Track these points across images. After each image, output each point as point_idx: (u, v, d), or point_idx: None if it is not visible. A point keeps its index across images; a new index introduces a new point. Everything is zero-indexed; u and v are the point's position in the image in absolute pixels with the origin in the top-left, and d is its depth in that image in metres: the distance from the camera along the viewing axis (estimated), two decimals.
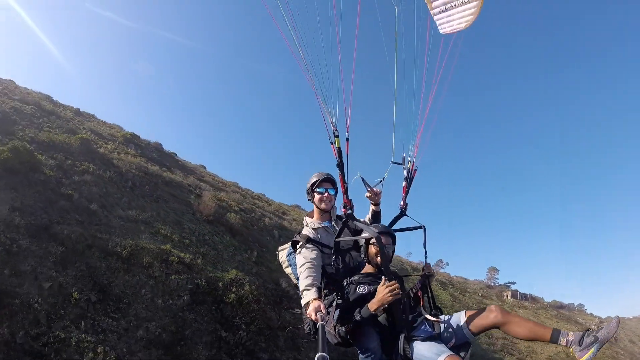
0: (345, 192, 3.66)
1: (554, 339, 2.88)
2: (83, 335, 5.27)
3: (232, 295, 8.12)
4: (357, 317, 3.14)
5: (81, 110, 20.55)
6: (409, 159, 4.21)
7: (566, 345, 2.84)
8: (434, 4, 5.00)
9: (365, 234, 3.46)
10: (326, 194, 3.77)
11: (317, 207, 3.77)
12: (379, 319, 3.25)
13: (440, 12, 5.07)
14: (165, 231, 9.43)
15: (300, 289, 3.44)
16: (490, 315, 3.07)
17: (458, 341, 3.18)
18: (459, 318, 3.23)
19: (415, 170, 4.25)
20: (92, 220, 8.06)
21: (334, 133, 3.66)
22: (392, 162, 4.20)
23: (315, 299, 3.24)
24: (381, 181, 4.05)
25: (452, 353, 2.91)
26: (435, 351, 2.92)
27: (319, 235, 3.78)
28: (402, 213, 4.00)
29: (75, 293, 5.78)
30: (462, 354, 3.10)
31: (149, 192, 11.71)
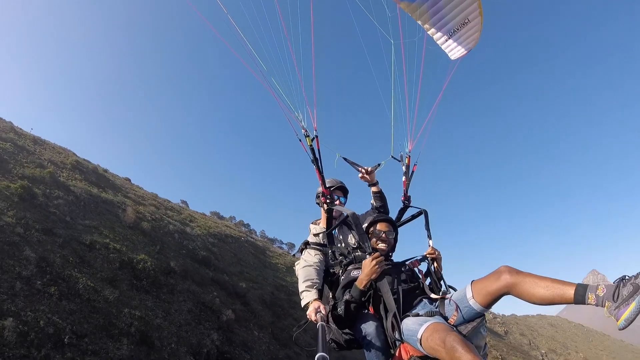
0: (323, 183, 3.96)
1: (579, 297, 2.29)
2: (75, 272, 13.33)
3: (140, 265, 16.37)
4: (347, 296, 3.18)
5: (36, 136, 27.40)
6: (407, 155, 4.51)
7: (596, 304, 2.27)
8: (436, 35, 5.24)
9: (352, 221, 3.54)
10: (337, 201, 4.04)
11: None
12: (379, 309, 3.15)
13: (445, 41, 5.28)
14: (106, 232, 17.45)
15: (300, 290, 3.61)
16: (499, 279, 2.66)
17: (464, 317, 2.91)
18: (464, 290, 2.96)
19: (415, 165, 4.52)
20: (69, 226, 15.99)
21: (304, 134, 4.01)
22: (392, 157, 4.53)
23: (315, 300, 3.39)
24: (378, 166, 4.40)
25: (437, 321, 2.71)
26: (420, 322, 2.75)
27: (321, 240, 4.01)
28: (405, 205, 4.24)
29: (71, 258, 13.84)
30: (467, 328, 2.88)
31: (93, 208, 19.55)
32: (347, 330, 3.35)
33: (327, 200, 3.91)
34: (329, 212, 3.89)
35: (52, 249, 13.73)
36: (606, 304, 2.20)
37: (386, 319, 3.04)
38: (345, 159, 4.35)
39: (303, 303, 3.45)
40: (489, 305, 2.79)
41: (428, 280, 3.61)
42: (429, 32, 5.28)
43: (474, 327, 2.91)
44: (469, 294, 2.86)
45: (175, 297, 16.47)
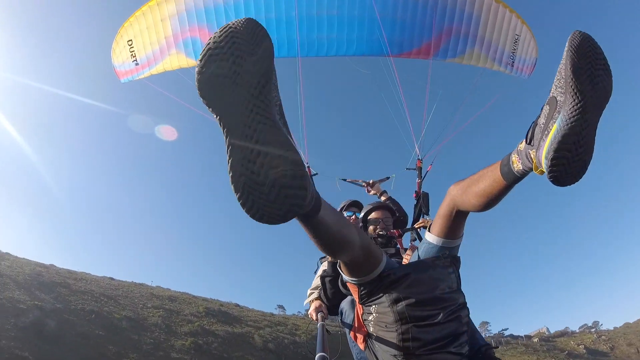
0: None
1: (505, 168, 1.74)
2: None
3: None
4: (320, 271, 3.22)
5: (170, 293, 37.29)
6: (417, 158, 4.63)
7: (523, 166, 1.67)
8: (502, 67, 5.33)
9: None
10: (353, 217, 3.97)
11: None
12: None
13: (510, 66, 5.33)
14: (251, 358, 25.77)
15: (307, 294, 3.58)
16: (446, 196, 2.11)
17: (420, 256, 2.38)
18: (425, 234, 2.44)
19: (430, 165, 4.66)
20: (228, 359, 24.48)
21: None
22: (406, 169, 4.70)
23: (316, 299, 3.36)
24: (386, 179, 4.57)
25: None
26: None
27: None
28: (418, 200, 4.22)
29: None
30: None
31: (234, 343, 28.19)
32: None
33: None
34: None
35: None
36: (531, 155, 1.59)
37: None
38: (344, 179, 4.57)
39: (305, 303, 3.45)
40: (447, 234, 2.21)
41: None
42: (493, 69, 5.32)
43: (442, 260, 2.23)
44: (427, 231, 2.36)
45: None
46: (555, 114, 1.51)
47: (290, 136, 1.33)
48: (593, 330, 78.44)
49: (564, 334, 75.45)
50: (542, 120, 1.59)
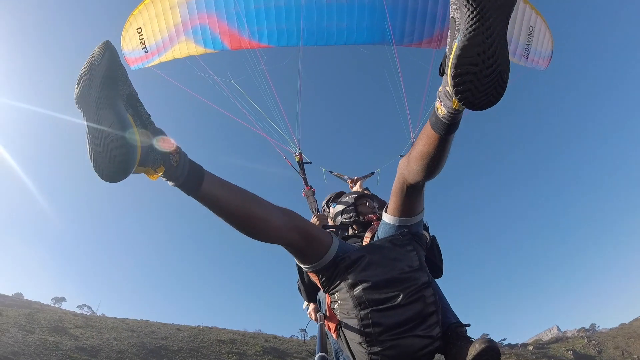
0: (306, 183, 4.39)
1: (432, 118, 1.70)
2: None
3: None
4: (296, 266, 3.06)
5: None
6: (411, 143, 4.51)
7: (444, 107, 1.60)
8: (514, 57, 5.13)
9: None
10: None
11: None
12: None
13: (524, 58, 5.21)
14: None
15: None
16: (397, 172, 2.11)
17: (379, 237, 2.40)
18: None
19: None
20: None
21: (294, 155, 4.58)
22: (400, 156, 4.55)
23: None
24: (371, 174, 4.66)
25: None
26: None
27: None
28: None
29: None
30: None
31: None
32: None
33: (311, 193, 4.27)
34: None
35: None
36: (448, 90, 1.51)
37: None
38: (330, 172, 4.74)
39: (304, 305, 3.44)
40: (402, 212, 2.22)
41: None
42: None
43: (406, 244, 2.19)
44: (384, 211, 2.37)
45: None
46: (456, 32, 1.43)
47: (137, 115, 1.65)
48: (590, 332, 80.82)
49: (559, 339, 78.35)
50: (447, 47, 1.49)
